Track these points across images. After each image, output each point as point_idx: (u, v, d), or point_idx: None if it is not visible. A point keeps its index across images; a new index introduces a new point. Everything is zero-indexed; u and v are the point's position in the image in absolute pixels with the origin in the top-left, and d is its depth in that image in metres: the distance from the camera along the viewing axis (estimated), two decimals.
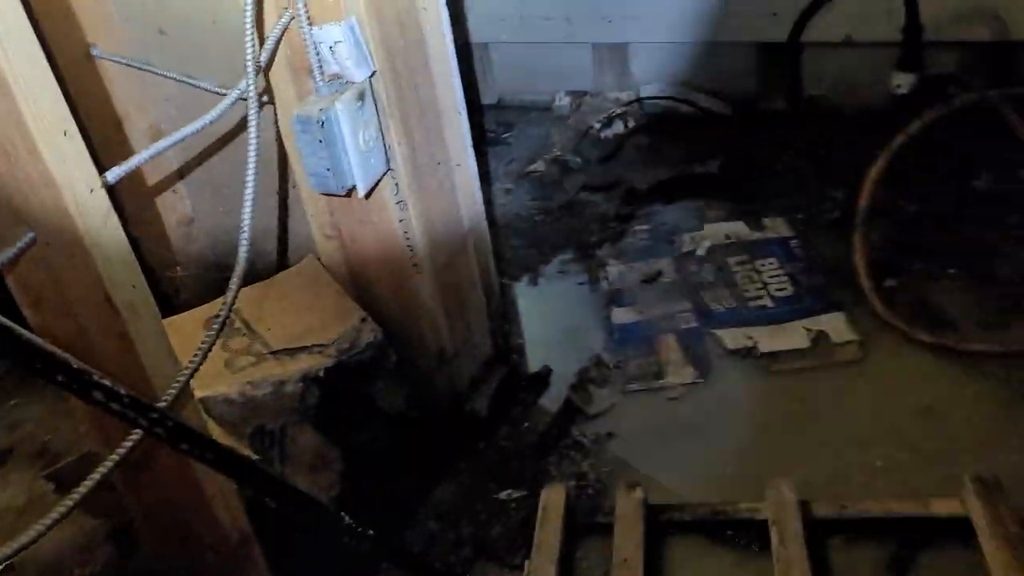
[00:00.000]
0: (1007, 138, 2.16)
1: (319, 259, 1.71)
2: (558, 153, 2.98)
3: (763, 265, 2.31)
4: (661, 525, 1.62)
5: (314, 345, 1.54)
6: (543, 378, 2.03)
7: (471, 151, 1.77)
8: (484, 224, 1.85)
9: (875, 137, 2.30)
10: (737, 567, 1.56)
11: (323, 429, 1.51)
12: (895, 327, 2.00)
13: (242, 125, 1.53)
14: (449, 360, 1.79)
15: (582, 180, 2.85)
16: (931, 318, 2.03)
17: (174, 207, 1.88)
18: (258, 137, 1.27)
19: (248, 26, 1.29)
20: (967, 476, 1.52)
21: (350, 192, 1.43)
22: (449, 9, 1.64)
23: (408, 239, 1.59)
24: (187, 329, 1.49)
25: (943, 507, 1.54)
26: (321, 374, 1.50)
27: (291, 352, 1.52)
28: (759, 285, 2.24)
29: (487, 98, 3.34)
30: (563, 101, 3.23)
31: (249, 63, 1.29)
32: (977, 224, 2.27)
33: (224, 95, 1.39)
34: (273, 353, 1.52)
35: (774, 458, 1.75)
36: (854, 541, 1.56)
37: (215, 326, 1.21)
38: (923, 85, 2.43)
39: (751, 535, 1.58)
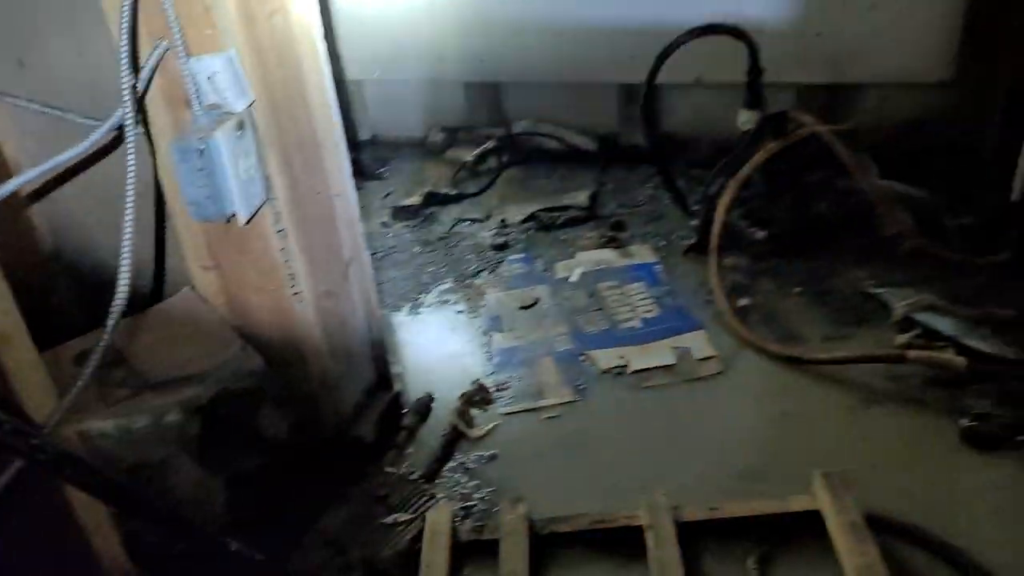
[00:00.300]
0: (839, 168, 2.40)
1: (195, 291, 1.69)
2: (433, 187, 3.05)
3: (631, 289, 2.45)
4: (545, 538, 1.68)
5: (194, 375, 1.52)
6: (426, 403, 2.07)
7: (350, 181, 1.80)
8: (365, 252, 1.88)
9: (725, 168, 2.51)
10: (617, 572, 1.64)
11: (205, 459, 1.49)
12: (750, 342, 2.17)
13: (100, 156, 1.51)
14: (332, 387, 1.80)
15: (458, 213, 2.93)
16: (781, 332, 2.22)
17: (39, 240, 1.80)
18: (136, 167, 1.27)
19: (124, 56, 1.29)
20: (817, 473, 1.67)
21: (230, 220, 1.44)
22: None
23: (289, 268, 1.61)
24: (58, 364, 1.44)
25: (798, 503, 1.67)
26: (203, 403, 1.49)
27: (170, 383, 1.49)
28: (628, 308, 2.38)
29: (362, 134, 3.38)
30: (437, 137, 3.32)
31: (127, 93, 1.29)
32: (816, 246, 2.50)
33: (96, 125, 1.38)
34: (150, 386, 1.49)
35: (648, 468, 1.85)
36: (723, 540, 1.66)
37: (93, 358, 1.19)
38: (765, 121, 2.66)
39: (629, 541, 1.67)
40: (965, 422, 1.83)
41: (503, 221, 2.83)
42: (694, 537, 1.66)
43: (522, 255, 2.66)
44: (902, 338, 2.09)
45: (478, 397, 2.08)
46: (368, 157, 3.25)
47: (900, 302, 2.20)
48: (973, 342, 2.02)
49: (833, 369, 2.05)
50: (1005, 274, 2.27)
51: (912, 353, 1.96)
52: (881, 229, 2.45)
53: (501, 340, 2.29)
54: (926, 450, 1.82)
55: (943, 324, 2.09)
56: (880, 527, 1.60)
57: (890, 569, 1.48)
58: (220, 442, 1.53)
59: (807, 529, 1.63)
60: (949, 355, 1.93)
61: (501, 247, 2.70)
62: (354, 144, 3.27)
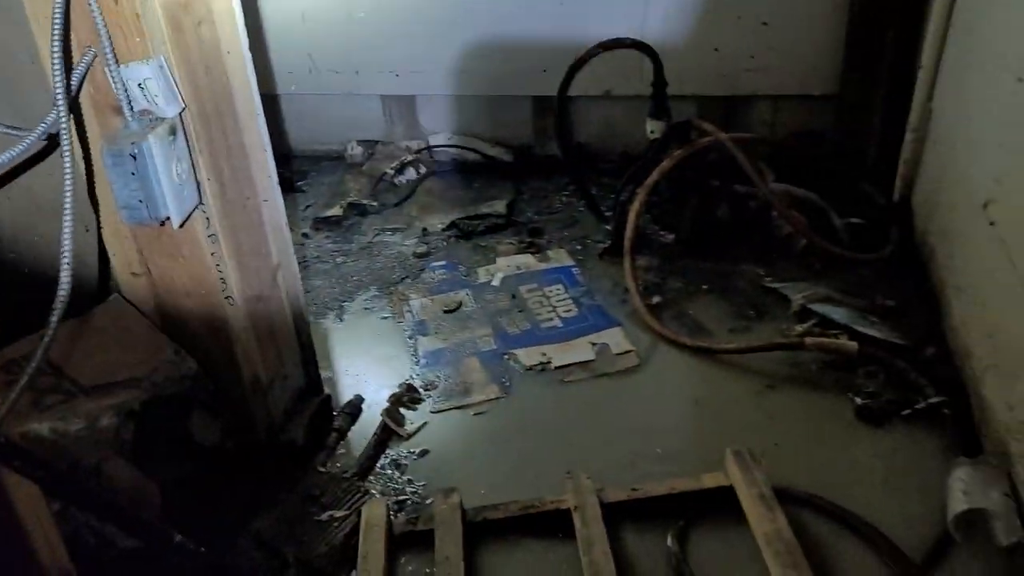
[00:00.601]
0: (739, 174, 2.57)
1: (125, 298, 1.70)
2: (354, 198, 3.09)
3: (551, 291, 2.56)
4: (477, 525, 1.76)
5: (128, 380, 1.53)
6: (356, 405, 2.11)
7: (277, 188, 1.85)
8: (292, 257, 1.92)
9: (635, 176, 2.65)
10: (548, 552, 1.72)
11: (140, 463, 1.50)
12: (663, 336, 2.30)
13: (31, 164, 1.51)
14: (264, 391, 1.83)
15: (379, 223, 2.98)
16: (691, 326, 2.36)
17: None
18: (72, 173, 1.29)
19: (56, 63, 1.31)
20: (728, 451, 1.80)
21: (163, 223, 1.47)
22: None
23: (220, 272, 1.64)
24: None
25: (712, 480, 1.80)
26: (136, 407, 1.50)
27: (103, 388, 1.50)
28: (549, 309, 2.48)
29: (280, 147, 3.40)
30: (355, 150, 3.37)
31: (60, 99, 1.31)
32: (721, 246, 2.66)
33: (19, 134, 1.39)
34: (84, 391, 1.49)
35: (573, 455, 1.94)
36: (643, 519, 1.77)
37: (31, 364, 1.20)
38: (671, 131, 2.82)
39: (558, 524, 1.76)
40: (858, 400, 2.00)
41: (424, 230, 2.90)
42: (618, 516, 1.76)
43: (444, 262, 2.73)
44: (800, 327, 2.26)
45: (407, 397, 2.14)
46: (286, 170, 3.27)
47: (797, 295, 2.37)
48: (863, 328, 2.20)
49: (739, 358, 2.19)
50: (888, 267, 2.48)
51: (810, 340, 2.12)
52: (778, 229, 2.64)
53: (427, 343, 2.35)
54: (824, 427, 1.98)
55: (836, 313, 2.27)
56: (786, 497, 1.74)
57: (796, 534, 1.61)
58: (154, 446, 1.54)
59: (721, 503, 1.75)
60: (842, 341, 2.11)
61: (423, 255, 2.77)
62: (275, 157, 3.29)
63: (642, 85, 2.96)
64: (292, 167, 3.33)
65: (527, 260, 2.71)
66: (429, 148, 3.30)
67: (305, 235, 2.91)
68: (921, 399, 1.95)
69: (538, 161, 3.28)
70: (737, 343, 2.22)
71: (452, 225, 2.91)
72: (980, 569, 1.60)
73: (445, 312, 2.47)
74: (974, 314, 1.97)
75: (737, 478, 1.75)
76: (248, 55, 1.70)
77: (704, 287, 2.53)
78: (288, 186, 3.18)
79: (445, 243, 2.84)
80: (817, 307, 2.30)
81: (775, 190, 2.65)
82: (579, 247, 2.78)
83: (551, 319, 2.43)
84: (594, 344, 2.31)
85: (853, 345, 2.08)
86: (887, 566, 1.62)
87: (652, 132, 2.81)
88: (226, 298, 1.67)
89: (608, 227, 2.77)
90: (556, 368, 2.24)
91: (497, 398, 2.15)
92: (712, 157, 2.69)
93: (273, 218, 1.84)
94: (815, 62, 2.89)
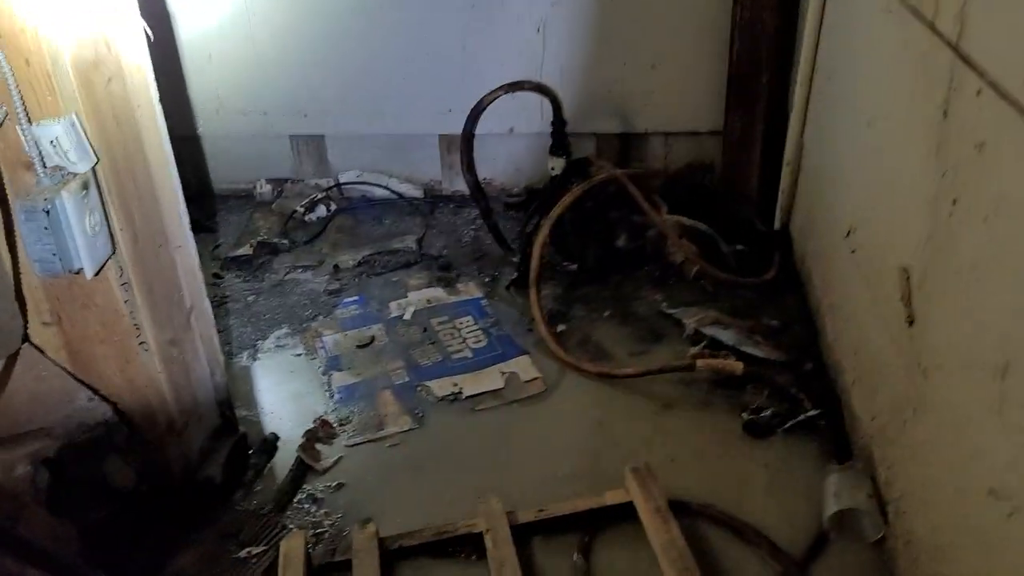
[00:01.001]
0: (635, 206, 2.74)
1: (36, 347, 1.72)
2: (264, 237, 3.13)
3: (461, 323, 2.66)
4: (394, 552, 1.83)
5: (41, 429, 1.56)
6: (272, 443, 2.16)
7: (189, 233, 1.90)
8: (206, 300, 1.97)
9: (539, 210, 2.79)
10: (462, 574, 1.81)
11: (56, 509, 1.53)
12: (568, 363, 2.43)
13: None
14: (179, 432, 1.87)
15: (290, 261, 3.03)
16: (594, 352, 2.50)
17: None
18: None
19: None
20: (627, 469, 1.94)
21: (78, 273, 1.51)
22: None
23: (134, 318, 1.68)
24: None
25: (613, 497, 1.93)
26: (51, 455, 1.53)
27: (17, 438, 1.53)
28: (460, 340, 2.58)
29: (203, 188, 3.41)
30: (265, 188, 3.41)
31: None
32: (620, 275, 2.82)
33: None
34: None
35: (484, 480, 2.04)
36: (551, 537, 1.88)
37: None
38: (571, 167, 2.99)
39: (470, 547, 1.85)
40: (745, 416, 2.17)
41: (336, 267, 2.97)
42: (527, 536, 1.87)
43: (356, 297, 2.80)
44: (693, 349, 2.43)
45: (322, 433, 2.20)
46: (194, 210, 3.27)
47: (690, 319, 2.55)
48: (749, 348, 2.39)
49: (638, 381, 2.34)
50: (772, 289, 2.69)
51: (700, 361, 2.29)
52: (673, 257, 2.82)
53: (341, 378, 2.42)
54: (715, 442, 2.14)
55: (725, 335, 2.45)
56: (681, 509, 1.89)
57: (689, 543, 1.75)
58: (70, 492, 1.57)
59: (622, 518, 1.88)
60: (730, 361, 2.28)
61: (335, 291, 2.83)
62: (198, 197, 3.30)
63: (543, 123, 3.12)
64: (202, 206, 3.34)
65: (438, 293, 2.82)
66: (339, 185, 3.37)
67: (216, 275, 2.94)
68: (800, 412, 2.14)
69: (447, 196, 3.40)
70: (635, 367, 2.37)
71: (363, 261, 2.98)
72: (851, 562, 1.78)
73: (358, 347, 2.55)
74: (843, 332, 2.17)
75: (636, 493, 1.89)
76: (158, 107, 1.76)
77: (606, 314, 2.68)
78: (198, 226, 3.19)
79: (357, 279, 2.91)
80: (708, 330, 2.48)
81: (668, 221, 2.83)
82: (488, 279, 2.90)
83: (462, 350, 2.53)
84: (503, 373, 2.42)
85: (739, 364, 2.25)
86: (771, 564, 1.78)
87: (553, 169, 2.97)
88: (140, 343, 1.71)
89: (515, 259, 2.90)
90: (467, 397, 2.34)
91: (411, 429, 2.23)
92: (611, 190, 2.86)
93: (186, 263, 1.89)
94: (701, 101, 3.11)
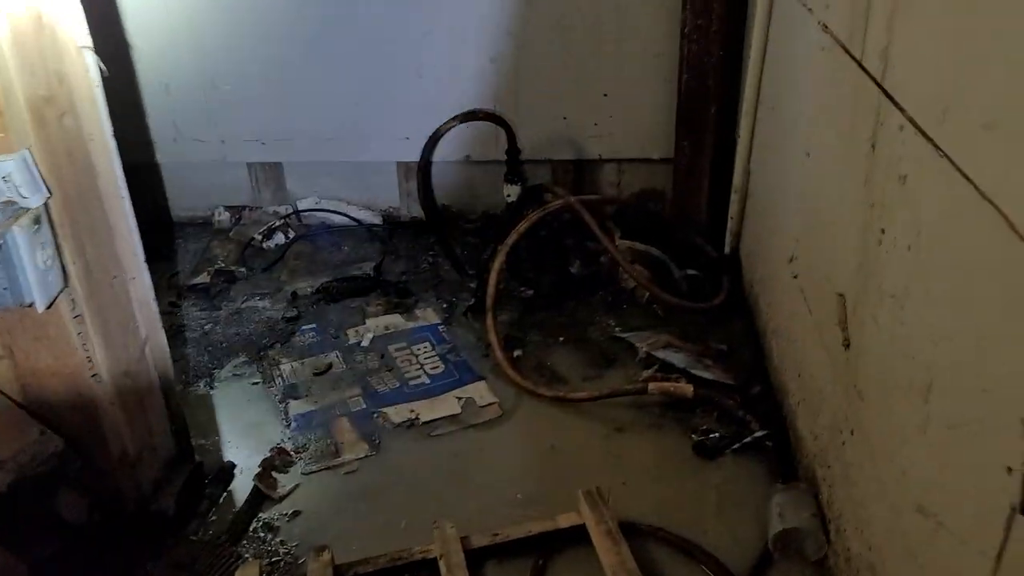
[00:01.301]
0: (590, 232, 2.81)
1: None
2: (222, 265, 3.14)
3: (419, 349, 2.69)
4: None
5: None
6: (228, 472, 2.16)
7: (144, 264, 1.91)
8: (160, 330, 1.98)
9: (495, 236, 2.84)
10: None
11: (7, 543, 1.52)
12: (524, 387, 2.47)
13: None
14: (132, 464, 1.87)
15: (248, 289, 3.04)
16: (549, 377, 2.55)
17: None
18: None
19: None
20: (580, 492, 1.98)
21: (29, 307, 1.52)
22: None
23: (87, 351, 1.69)
24: None
25: (566, 520, 1.96)
26: (3, 489, 1.52)
27: None
28: (417, 366, 2.61)
29: (162, 216, 3.41)
30: (223, 216, 3.42)
31: None
32: (575, 300, 2.88)
33: None
34: None
35: (440, 506, 2.07)
36: (505, 561, 1.91)
37: None
38: (526, 193, 3.04)
39: (426, 572, 1.87)
40: (694, 437, 2.23)
41: (294, 294, 2.98)
42: (481, 561, 1.89)
43: (314, 325, 2.82)
44: (645, 373, 2.49)
45: (279, 461, 2.21)
46: (152, 238, 3.27)
47: (643, 343, 2.61)
48: (698, 372, 2.45)
49: (591, 404, 2.39)
50: (722, 313, 2.76)
51: (652, 385, 2.35)
52: (626, 282, 2.89)
53: (298, 406, 2.43)
54: (666, 464, 2.19)
55: (676, 359, 2.51)
56: (632, 530, 1.93)
57: (640, 564, 1.79)
58: (22, 525, 1.56)
59: (575, 540, 1.91)
60: (680, 384, 2.34)
61: (293, 319, 2.85)
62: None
63: (500, 151, 3.18)
64: (159, 234, 3.33)
65: (395, 320, 2.84)
66: (297, 213, 3.39)
67: (173, 303, 2.93)
68: (748, 433, 2.20)
69: (405, 223, 3.43)
70: (589, 391, 2.42)
71: (321, 288, 3.00)
72: None
73: (315, 375, 2.56)
74: (787, 355, 2.24)
75: (588, 516, 1.92)
76: (112, 141, 1.78)
77: (561, 339, 2.73)
78: (155, 254, 3.18)
79: (315, 306, 2.93)
80: (659, 353, 2.54)
81: (620, 246, 2.90)
82: (445, 305, 2.93)
83: (419, 376, 2.56)
84: (460, 398, 2.45)
85: (689, 387, 2.31)
86: None
87: (508, 196, 3.02)
88: (92, 376, 1.71)
89: (472, 284, 2.94)
90: (424, 423, 2.36)
91: (367, 456, 2.25)
92: (565, 217, 2.92)
93: (140, 294, 1.90)
94: (652, 130, 3.20)
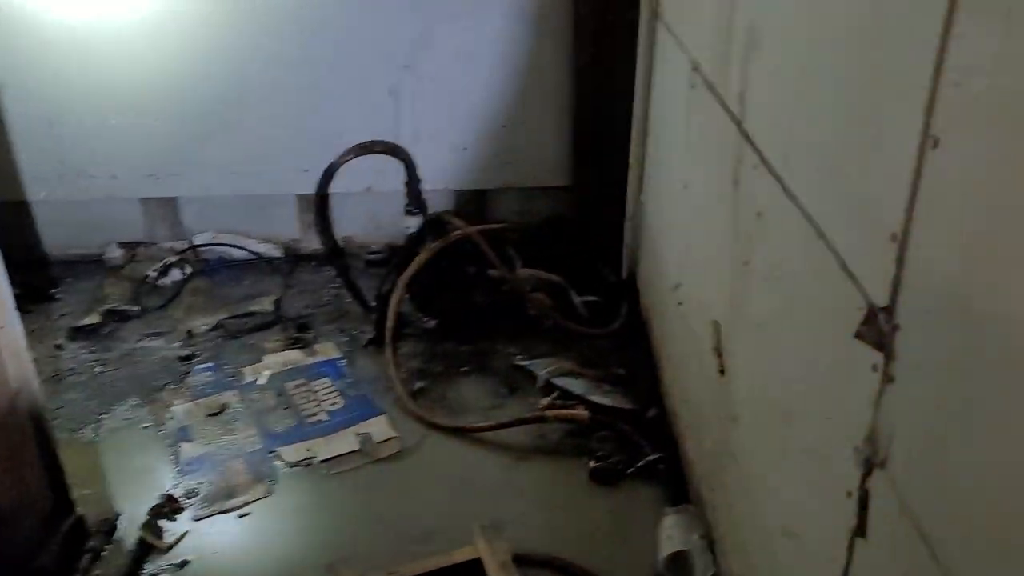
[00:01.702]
0: (491, 261, 2.83)
1: None
2: (114, 304, 3.04)
3: (318, 385, 2.66)
4: None
5: None
6: (111, 523, 2.09)
7: (14, 313, 1.84)
8: (34, 382, 1.91)
9: (397, 268, 2.84)
10: None
11: None
12: (425, 420, 2.46)
13: None
14: (6, 521, 1.79)
15: (142, 328, 2.95)
16: (451, 408, 2.55)
17: None
18: None
19: None
20: (476, 526, 1.98)
21: None
22: None
23: None
24: None
25: (461, 554, 1.96)
26: None
27: None
28: (315, 403, 2.58)
29: (31, 255, 3.28)
30: (115, 253, 3.31)
31: None
32: (478, 330, 2.89)
33: None
34: None
35: (340, 544, 2.04)
36: None
37: None
38: (427, 224, 3.05)
39: None
40: (591, 464, 2.26)
41: (189, 332, 2.91)
42: None
43: (209, 364, 2.75)
44: (545, 400, 2.51)
45: (167, 508, 2.15)
46: (38, 279, 3.16)
47: (543, 370, 2.63)
48: (597, 398, 2.49)
49: (492, 435, 2.40)
50: (620, 339, 2.81)
51: (550, 412, 2.37)
52: (526, 311, 2.92)
53: (190, 449, 2.37)
54: (564, 491, 2.22)
55: (575, 385, 2.55)
56: (527, 562, 1.94)
57: None
58: None
59: (471, 574, 1.92)
60: (577, 411, 2.37)
61: (188, 358, 2.78)
62: (21, 266, 3.16)
63: (400, 182, 3.18)
64: (46, 274, 3.21)
65: (294, 356, 2.80)
66: (194, 248, 3.32)
67: (58, 346, 2.82)
68: (642, 458, 2.24)
69: (307, 255, 3.40)
70: (490, 421, 2.43)
71: (218, 325, 2.94)
72: None
73: (209, 416, 2.50)
74: (676, 380, 2.30)
75: (484, 550, 1.93)
76: None
77: (463, 369, 2.73)
78: (40, 295, 3.07)
79: (211, 344, 2.86)
80: (559, 381, 2.57)
81: (522, 275, 2.93)
82: (347, 339, 2.90)
83: (317, 413, 2.53)
84: (359, 435, 2.43)
85: (585, 414, 2.35)
86: None
87: (409, 227, 3.02)
88: None
89: (372, 317, 2.92)
90: (322, 462, 2.33)
91: (262, 498, 2.20)
92: (468, 246, 2.94)
93: (10, 344, 1.83)
94: (552, 159, 3.25)
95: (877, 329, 0.95)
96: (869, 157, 1.00)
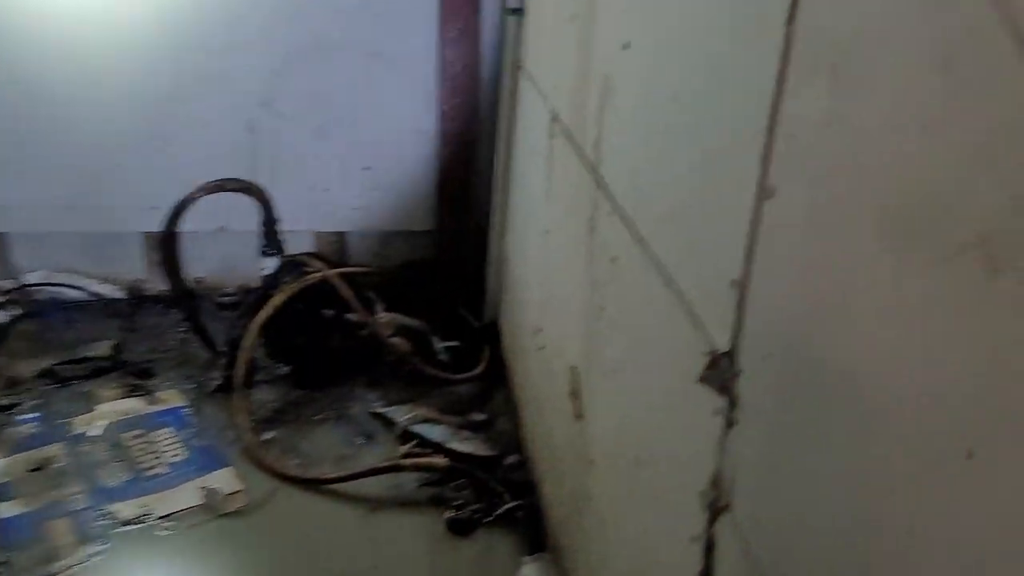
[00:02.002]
0: (348, 306, 2.75)
1: None
2: None
3: (158, 436, 2.47)
4: None
5: None
6: None
7: None
8: None
9: (250, 311, 2.71)
10: None
11: None
12: (274, 471, 2.33)
13: None
14: None
15: None
16: (304, 458, 2.43)
17: None
18: None
19: None
20: None
21: None
22: None
23: None
24: None
25: None
26: None
27: None
28: (155, 455, 2.39)
29: None
30: None
31: None
32: (335, 376, 2.80)
33: None
34: None
35: None
36: None
37: None
38: (285, 265, 2.94)
39: None
40: (448, 514, 2.21)
41: (11, 380, 2.65)
42: None
43: (34, 414, 2.51)
44: (402, 449, 2.44)
45: None
46: None
47: (402, 418, 2.57)
48: (456, 445, 2.44)
49: (346, 485, 2.30)
50: (482, 383, 2.79)
51: (406, 461, 2.31)
52: (386, 356, 2.85)
53: (6, 509, 2.13)
54: (419, 543, 2.14)
55: (434, 432, 2.49)
56: None
57: None
58: None
59: None
60: (433, 459, 2.32)
61: (7, 408, 2.52)
62: None
63: (256, 221, 3.06)
64: None
65: (133, 404, 2.60)
66: (24, 287, 3.05)
67: None
68: (500, 505, 2.21)
69: (153, 297, 3.19)
70: (343, 471, 2.33)
71: (47, 372, 2.70)
72: None
73: (30, 471, 2.27)
74: (536, 425, 2.30)
75: None
76: None
77: (318, 417, 2.62)
78: None
79: (38, 393, 2.62)
80: (417, 428, 2.51)
81: (382, 319, 2.86)
82: (193, 386, 2.73)
83: (156, 466, 2.35)
84: (202, 488, 2.26)
85: (442, 461, 2.29)
86: None
87: (264, 269, 2.90)
88: None
89: (222, 363, 2.76)
90: (160, 518, 2.16)
91: (86, 561, 2.01)
92: (325, 289, 2.84)
93: None
94: (415, 202, 3.23)
95: (720, 374, 0.97)
96: (711, 205, 1.03)
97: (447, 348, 2.89)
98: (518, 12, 2.59)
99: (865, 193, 0.71)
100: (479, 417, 2.62)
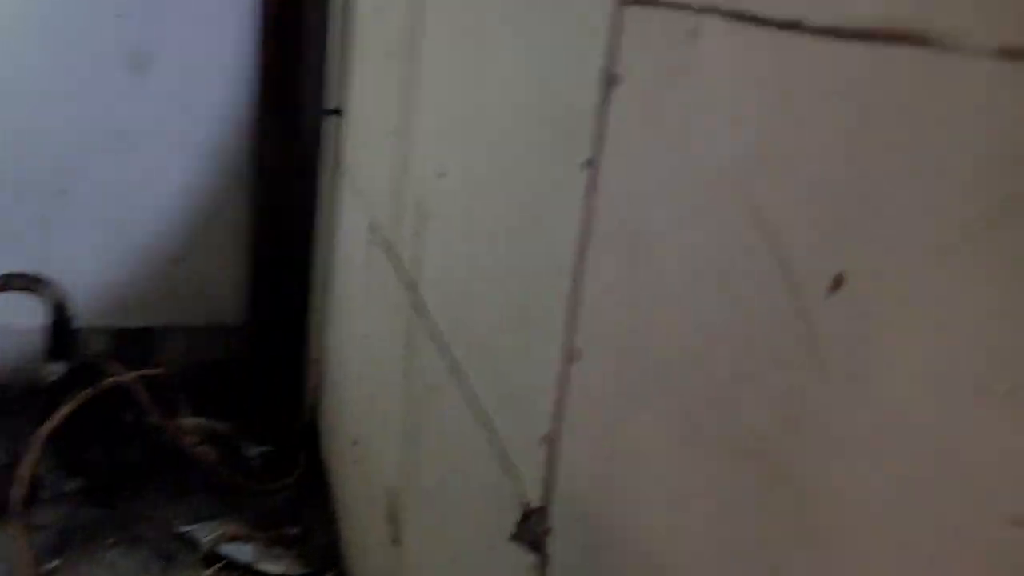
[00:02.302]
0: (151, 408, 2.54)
1: None
2: None
3: None
4: None
5: None
6: None
7: None
8: None
9: (35, 421, 2.43)
10: None
11: None
12: None
13: None
14: None
15: None
16: None
17: None
18: None
19: None
20: None
21: None
22: None
23: None
24: None
25: None
26: None
27: None
28: None
29: None
30: None
31: None
32: (134, 490, 2.55)
33: None
34: None
35: None
36: None
37: None
38: (78, 368, 2.68)
39: None
40: None
41: None
42: None
43: None
44: (208, 572, 2.25)
45: None
46: None
47: (207, 536, 2.37)
48: (268, 565, 2.28)
49: None
50: (299, 491, 2.64)
51: None
52: (192, 464, 2.64)
53: None
54: None
55: (242, 552, 2.32)
56: None
57: None
58: None
59: None
60: None
61: None
62: None
63: (45, 319, 2.78)
64: None
65: None
66: None
67: None
68: None
69: None
70: None
71: None
72: None
73: None
74: (354, 542, 2.20)
75: None
76: None
77: (111, 540, 2.37)
78: None
79: None
80: (225, 548, 2.33)
81: (187, 424, 2.66)
82: None
83: None
84: None
85: None
86: None
87: (52, 375, 2.64)
88: None
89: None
90: None
91: None
92: (124, 393, 2.61)
93: None
94: (225, 296, 3.07)
95: (531, 529, 0.96)
96: (523, 361, 1.03)
97: (260, 454, 2.73)
98: (337, 112, 2.57)
99: (661, 377, 0.74)
100: (292, 531, 2.47)
